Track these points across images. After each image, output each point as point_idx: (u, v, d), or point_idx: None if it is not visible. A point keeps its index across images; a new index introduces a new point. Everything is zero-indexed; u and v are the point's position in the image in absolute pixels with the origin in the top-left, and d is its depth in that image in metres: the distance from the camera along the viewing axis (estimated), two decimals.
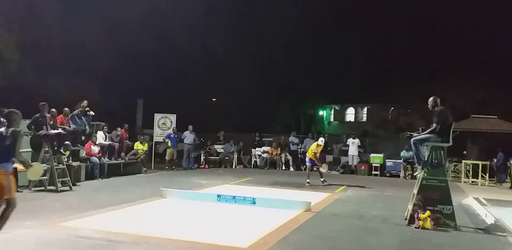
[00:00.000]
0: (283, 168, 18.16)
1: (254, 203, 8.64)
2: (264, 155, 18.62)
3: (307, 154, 13.27)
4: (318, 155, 12.97)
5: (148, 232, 6.04)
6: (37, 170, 5.22)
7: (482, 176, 15.13)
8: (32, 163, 5.08)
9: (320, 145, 12.86)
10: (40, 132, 10.41)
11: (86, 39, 24.30)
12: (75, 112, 12.63)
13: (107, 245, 5.42)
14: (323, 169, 13.22)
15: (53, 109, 11.74)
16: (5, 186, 4.80)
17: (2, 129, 4.91)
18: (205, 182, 12.57)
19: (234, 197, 8.88)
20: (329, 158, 19.28)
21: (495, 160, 16.00)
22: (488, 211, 8.41)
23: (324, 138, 19.82)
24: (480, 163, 15.12)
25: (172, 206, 8.56)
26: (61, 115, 12.29)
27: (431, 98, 7.72)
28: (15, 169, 9.34)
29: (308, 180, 12.67)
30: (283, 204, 8.56)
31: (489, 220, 7.64)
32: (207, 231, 6.43)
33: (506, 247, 6.29)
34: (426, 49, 32.94)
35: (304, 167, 18.31)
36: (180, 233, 6.20)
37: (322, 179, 12.87)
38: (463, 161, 16.12)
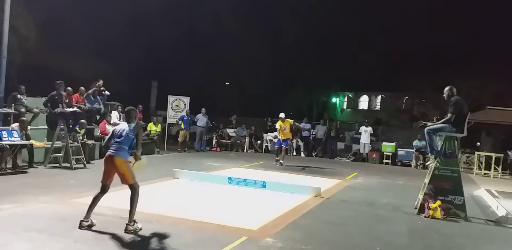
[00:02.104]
0: (294, 153, 18.19)
1: (264, 186, 8.70)
2: (276, 140, 18.62)
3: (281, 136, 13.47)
4: (285, 131, 13.28)
5: (160, 211, 6.14)
6: (143, 163, 5.62)
7: (495, 168, 14.99)
8: (141, 156, 5.51)
9: (282, 118, 13.23)
10: (56, 110, 10.55)
11: (103, 20, 24.34)
12: (90, 91, 12.75)
13: (120, 222, 5.52)
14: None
15: (69, 88, 11.88)
16: (128, 173, 5.29)
17: (125, 125, 5.42)
18: (216, 164, 12.67)
19: (245, 180, 8.95)
20: (341, 145, 19.28)
21: (509, 153, 15.80)
22: (499, 203, 8.36)
23: (337, 125, 19.96)
24: (493, 155, 14.96)
25: (183, 187, 8.67)
26: (77, 94, 12.42)
27: (447, 88, 7.61)
28: (31, 145, 9.55)
29: (277, 158, 13.39)
30: (294, 188, 8.60)
31: (500, 212, 7.60)
32: (217, 212, 6.50)
33: None
34: (443, 38, 32.40)
35: (315, 153, 18.42)
36: (191, 213, 6.28)
37: (277, 158, 13.37)
38: (476, 152, 15.96)
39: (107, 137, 5.64)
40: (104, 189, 5.41)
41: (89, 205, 5.35)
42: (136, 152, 5.44)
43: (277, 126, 13.52)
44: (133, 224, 5.21)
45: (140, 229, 5.23)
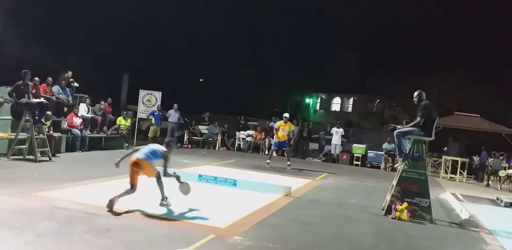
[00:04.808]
0: (266, 152, 18.20)
1: (235, 185, 8.64)
2: (248, 139, 18.62)
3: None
4: (283, 133, 12.99)
5: (127, 207, 6.00)
6: (187, 188, 6.62)
7: (460, 172, 15.40)
8: (183, 181, 6.59)
9: (286, 118, 12.98)
10: (21, 100, 10.17)
11: (75, 11, 23.73)
12: (59, 82, 12.40)
13: (84, 217, 5.37)
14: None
15: (36, 78, 11.50)
16: (151, 170, 6.24)
17: (159, 146, 6.39)
18: (187, 161, 12.53)
19: (215, 178, 8.87)
20: (314, 145, 19.40)
21: (474, 158, 16.26)
22: (463, 207, 8.57)
23: (309, 125, 20.04)
24: (459, 159, 15.38)
25: (152, 183, 8.47)
26: (44, 84, 12.04)
27: (416, 92, 7.72)
28: None
29: (268, 161, 12.97)
30: (264, 187, 8.58)
31: (464, 215, 7.79)
32: (186, 209, 6.41)
33: (478, 242, 6.42)
34: (414, 44, 33.12)
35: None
36: (159, 209, 6.18)
37: (288, 163, 13.03)
38: (443, 157, 16.36)
39: (136, 148, 6.46)
40: (132, 188, 6.05)
41: (120, 193, 5.93)
42: (171, 176, 6.42)
43: (276, 125, 13.28)
44: (166, 199, 6.37)
45: (171, 204, 6.35)
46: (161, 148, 6.34)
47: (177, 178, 6.50)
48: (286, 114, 13.30)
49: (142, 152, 6.21)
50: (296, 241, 5.41)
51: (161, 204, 6.31)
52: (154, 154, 6.21)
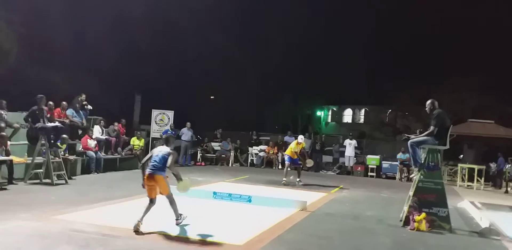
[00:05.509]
0: (280, 167, 18.15)
1: (250, 201, 8.63)
2: (261, 154, 18.62)
3: (285, 152, 13.15)
4: (298, 153, 12.79)
5: (143, 228, 6.02)
6: (186, 185, 6.62)
7: (477, 180, 15.17)
8: (183, 178, 6.55)
9: (300, 143, 12.77)
10: (37, 125, 10.38)
11: (86, 34, 24.22)
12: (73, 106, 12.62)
13: (102, 239, 5.40)
14: (309, 164, 13.43)
15: (51, 102, 11.73)
16: (165, 186, 6.25)
17: (163, 148, 6.40)
18: (201, 179, 12.56)
19: (230, 195, 8.87)
20: (328, 158, 19.31)
21: (491, 165, 16.01)
22: (483, 215, 8.43)
23: (322, 138, 19.97)
24: (476, 167, 15.15)
25: (167, 202, 8.52)
26: (59, 108, 12.26)
27: (429, 101, 7.73)
28: (11, 161, 9.35)
29: (284, 179, 12.60)
30: (279, 202, 8.56)
31: (484, 224, 7.66)
32: (202, 227, 6.41)
33: None
34: (425, 53, 33.03)
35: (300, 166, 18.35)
36: (175, 229, 6.19)
37: (298, 179, 12.79)
38: (459, 165, 16.15)
39: (146, 157, 6.42)
40: (152, 201, 6.21)
41: (143, 212, 6.05)
42: (176, 174, 6.40)
43: (292, 145, 12.88)
44: (180, 217, 6.39)
45: (186, 218, 6.45)
46: (164, 150, 6.36)
47: (177, 175, 6.44)
48: (300, 139, 12.85)
49: (152, 164, 6.23)
50: None
51: (177, 223, 6.32)
52: (164, 160, 6.23)
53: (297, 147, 12.74)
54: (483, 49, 29.85)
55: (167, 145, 6.45)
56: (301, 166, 13.17)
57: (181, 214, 6.42)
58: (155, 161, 6.23)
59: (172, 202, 6.35)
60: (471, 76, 25.92)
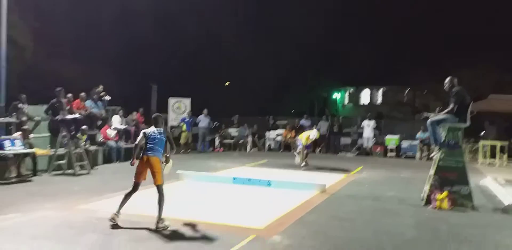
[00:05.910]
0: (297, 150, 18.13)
1: (269, 184, 8.69)
2: (278, 138, 18.63)
3: (302, 140, 12.65)
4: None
5: (166, 214, 6.12)
6: (170, 165, 6.22)
7: (500, 156, 14.90)
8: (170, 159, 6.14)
9: (311, 139, 12.51)
10: (57, 117, 10.58)
11: (100, 26, 24.37)
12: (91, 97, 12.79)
13: (126, 227, 5.51)
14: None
15: (69, 95, 11.90)
16: (160, 173, 5.82)
17: (155, 129, 5.94)
18: (220, 164, 12.65)
19: (249, 179, 8.94)
20: (347, 140, 19.20)
21: None
22: (506, 192, 8.31)
23: (339, 120, 19.82)
24: (498, 143, 14.88)
25: (188, 189, 8.66)
26: (78, 100, 12.43)
27: (447, 79, 7.58)
28: (34, 153, 9.57)
29: (303, 163, 12.44)
30: (298, 185, 8.59)
31: (508, 201, 7.56)
32: (223, 212, 6.50)
33: None
34: (441, 29, 32.29)
35: (319, 149, 18.34)
36: (197, 214, 6.27)
37: (303, 163, 12.54)
38: (481, 142, 15.87)
39: (138, 138, 6.00)
40: (136, 187, 5.85)
41: (121, 201, 5.74)
42: (167, 155, 6.03)
43: (304, 136, 12.59)
44: (162, 222, 5.51)
45: (168, 226, 5.51)
46: (158, 131, 5.91)
47: (169, 157, 6.09)
48: (312, 136, 12.45)
49: (149, 147, 5.84)
50: (335, 238, 5.39)
51: (156, 227, 5.46)
52: (163, 142, 5.90)
53: (307, 141, 12.48)
54: (503, 22, 29.01)
55: (156, 126, 5.98)
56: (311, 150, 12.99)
57: (163, 220, 5.57)
58: (152, 143, 5.83)
59: (161, 199, 5.68)
60: (491, 51, 25.29)
